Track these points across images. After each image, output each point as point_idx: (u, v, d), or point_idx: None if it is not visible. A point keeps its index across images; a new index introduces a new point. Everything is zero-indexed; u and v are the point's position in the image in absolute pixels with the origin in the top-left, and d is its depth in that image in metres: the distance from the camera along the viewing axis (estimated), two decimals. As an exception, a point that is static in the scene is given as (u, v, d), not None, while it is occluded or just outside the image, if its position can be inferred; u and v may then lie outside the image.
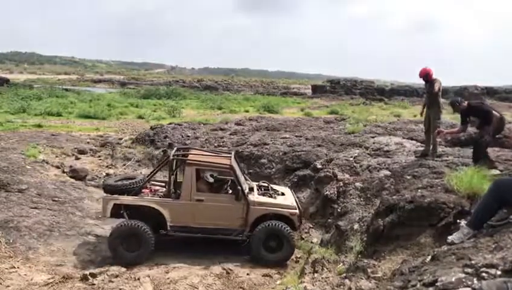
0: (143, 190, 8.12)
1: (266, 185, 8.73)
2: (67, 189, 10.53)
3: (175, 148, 8.84)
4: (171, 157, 8.00)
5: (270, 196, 8.18)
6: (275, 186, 8.94)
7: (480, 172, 5.82)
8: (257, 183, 8.80)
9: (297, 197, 10.06)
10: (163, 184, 8.66)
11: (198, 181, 7.88)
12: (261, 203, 7.82)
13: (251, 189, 8.19)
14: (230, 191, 8.01)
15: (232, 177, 7.90)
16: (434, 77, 9.01)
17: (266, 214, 7.79)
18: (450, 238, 4.15)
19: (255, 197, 7.93)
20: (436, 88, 8.71)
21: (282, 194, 8.51)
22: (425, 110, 9.35)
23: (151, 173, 8.76)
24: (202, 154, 8.53)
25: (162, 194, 8.21)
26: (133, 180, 8.00)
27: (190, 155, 8.18)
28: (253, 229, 7.67)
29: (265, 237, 7.59)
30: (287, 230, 7.59)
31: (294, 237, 7.79)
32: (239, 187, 7.66)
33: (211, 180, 8.30)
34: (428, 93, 9.09)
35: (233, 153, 8.88)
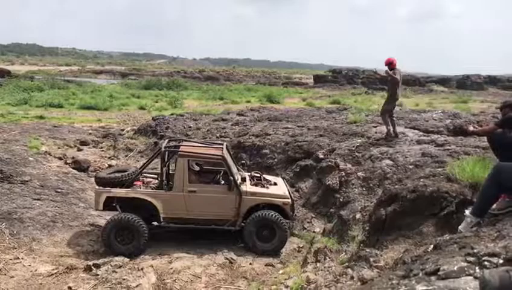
0: (135, 182, 8.13)
1: (258, 175, 8.75)
2: (70, 180, 10.56)
3: (166, 140, 8.82)
4: (163, 149, 7.98)
5: (263, 186, 8.20)
6: (267, 176, 8.96)
7: (482, 161, 5.79)
8: (249, 173, 8.82)
9: (299, 187, 10.11)
10: (156, 176, 8.66)
11: (190, 172, 7.88)
12: (253, 193, 7.85)
13: (243, 179, 8.22)
14: (223, 182, 8.04)
15: (223, 168, 7.92)
16: (397, 66, 10.00)
17: (259, 204, 7.83)
18: (459, 228, 4.17)
19: (247, 187, 7.96)
20: (397, 77, 9.84)
21: (275, 184, 8.53)
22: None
23: (143, 165, 8.76)
24: (194, 146, 8.53)
25: (154, 186, 8.23)
26: (125, 173, 7.98)
27: (182, 147, 8.17)
28: (246, 219, 7.73)
29: (257, 226, 7.65)
30: (279, 219, 7.64)
31: (286, 226, 7.83)
32: (231, 178, 7.69)
33: (197, 168, 8.32)
34: (389, 81, 10.11)
35: (225, 143, 8.84)
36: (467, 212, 4.26)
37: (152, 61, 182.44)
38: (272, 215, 7.65)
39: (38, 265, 6.67)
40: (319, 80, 63.15)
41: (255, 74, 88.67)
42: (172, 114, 18.42)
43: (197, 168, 8.33)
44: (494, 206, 4.06)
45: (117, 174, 7.94)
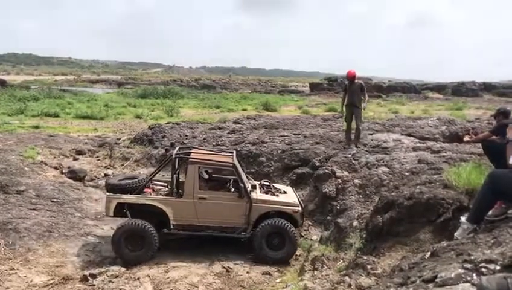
0: (145, 189, 8.13)
1: (268, 183, 8.75)
2: (66, 190, 10.50)
3: (177, 147, 8.84)
4: (174, 157, 7.98)
5: (273, 194, 8.19)
6: (276, 185, 8.96)
7: (478, 167, 5.82)
8: (259, 182, 8.81)
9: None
10: (165, 184, 8.68)
11: (200, 179, 7.89)
12: (263, 201, 7.84)
13: (253, 187, 8.18)
14: (233, 189, 8.03)
15: (234, 176, 7.93)
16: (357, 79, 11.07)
17: (269, 212, 7.81)
18: (455, 235, 4.18)
19: (257, 195, 7.95)
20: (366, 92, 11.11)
21: (284, 192, 8.52)
22: (346, 107, 11.26)
23: (153, 172, 8.78)
24: (204, 153, 8.55)
25: (164, 193, 8.25)
26: (136, 180, 8.03)
27: (192, 154, 8.17)
28: (256, 227, 7.69)
29: (267, 234, 7.61)
30: (290, 227, 7.61)
31: (297, 235, 7.81)
32: (242, 185, 7.69)
33: (206, 176, 8.33)
34: (353, 92, 10.98)
35: (234, 151, 8.90)
36: (463, 219, 4.27)
37: (148, 70, 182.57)
38: (282, 223, 7.62)
39: (34, 276, 6.62)
40: (315, 87, 63.28)
41: (251, 82, 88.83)
42: (168, 123, 18.36)
43: (206, 176, 8.34)
44: (490, 212, 4.07)
45: (127, 181, 7.97)
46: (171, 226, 7.66)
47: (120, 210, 7.66)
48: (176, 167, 8.07)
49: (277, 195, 8.21)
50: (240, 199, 7.70)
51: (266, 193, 8.23)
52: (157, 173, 8.60)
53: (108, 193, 7.92)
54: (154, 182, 8.68)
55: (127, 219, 7.55)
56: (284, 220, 7.69)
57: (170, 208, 7.62)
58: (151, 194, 8.10)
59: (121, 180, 8.18)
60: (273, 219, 7.67)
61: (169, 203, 7.66)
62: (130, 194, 7.74)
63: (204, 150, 9.37)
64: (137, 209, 7.64)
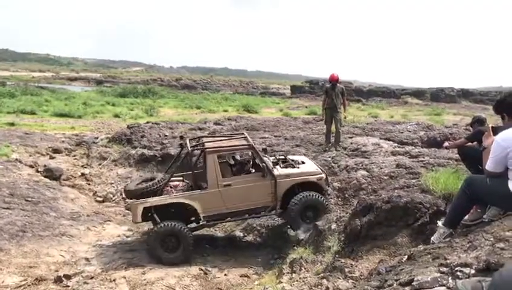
0: (164, 188, 8.00)
1: (283, 157, 8.77)
2: (41, 189, 10.30)
3: (187, 140, 8.74)
4: (190, 150, 7.92)
5: (293, 167, 8.22)
6: (292, 157, 9.00)
7: (455, 173, 5.91)
8: (274, 157, 8.80)
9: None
10: (181, 178, 8.63)
11: (221, 167, 7.85)
12: (287, 175, 7.88)
13: (274, 163, 8.22)
14: (254, 170, 8.06)
15: (252, 156, 7.98)
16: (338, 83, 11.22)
17: (294, 185, 7.86)
18: (432, 239, 4.23)
19: (279, 170, 7.98)
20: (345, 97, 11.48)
21: (302, 162, 8.56)
22: (327, 110, 11.37)
23: (170, 169, 8.68)
24: (217, 140, 8.48)
25: (183, 188, 8.18)
26: (155, 180, 7.87)
27: (207, 143, 8.11)
28: (284, 202, 7.77)
29: (302, 209, 7.68)
30: (321, 198, 7.76)
31: (327, 203, 7.93)
32: (263, 164, 7.71)
33: (232, 162, 8.32)
34: (334, 96, 11.12)
35: (245, 132, 8.86)
36: (440, 223, 4.32)
37: (128, 68, 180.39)
38: (315, 196, 7.71)
39: (6, 277, 6.44)
40: (296, 90, 63.63)
41: (233, 83, 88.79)
42: (147, 122, 18.19)
43: (232, 161, 8.31)
44: (467, 217, 4.13)
45: (146, 184, 7.81)
46: (201, 218, 7.68)
47: (146, 214, 7.55)
48: (193, 159, 8.05)
49: (297, 167, 8.23)
50: (263, 179, 7.72)
51: (286, 167, 8.24)
52: (176, 170, 8.41)
53: (131, 200, 7.78)
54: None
55: (159, 223, 7.37)
56: (315, 192, 7.77)
57: (197, 201, 7.59)
58: (172, 192, 7.98)
59: (138, 184, 8.01)
60: (304, 193, 7.70)
61: (196, 197, 7.62)
62: (153, 196, 7.58)
63: (214, 137, 9.33)
64: (163, 210, 7.54)
